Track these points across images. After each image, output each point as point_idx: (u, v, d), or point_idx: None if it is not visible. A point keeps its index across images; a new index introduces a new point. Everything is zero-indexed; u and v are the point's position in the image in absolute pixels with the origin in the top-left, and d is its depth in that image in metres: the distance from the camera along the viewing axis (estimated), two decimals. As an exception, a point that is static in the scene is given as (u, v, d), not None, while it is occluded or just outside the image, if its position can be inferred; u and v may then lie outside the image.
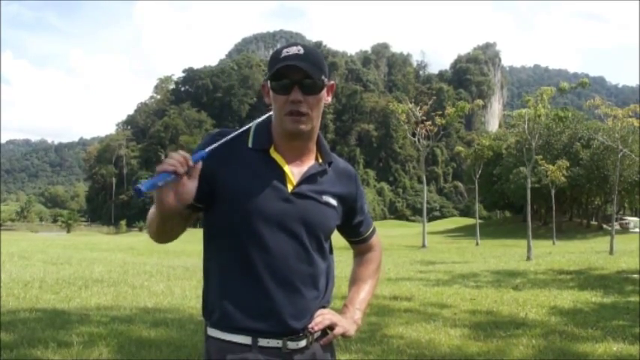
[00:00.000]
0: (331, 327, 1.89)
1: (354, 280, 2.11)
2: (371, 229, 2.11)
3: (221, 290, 1.80)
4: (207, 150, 1.66)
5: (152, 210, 1.71)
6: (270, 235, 1.75)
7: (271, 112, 1.87)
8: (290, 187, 1.79)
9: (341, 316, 1.95)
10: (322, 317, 1.85)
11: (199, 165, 1.62)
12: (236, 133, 1.79)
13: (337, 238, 1.99)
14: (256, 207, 1.75)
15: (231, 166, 1.78)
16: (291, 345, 1.78)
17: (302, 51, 1.74)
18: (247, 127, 1.84)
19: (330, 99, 1.85)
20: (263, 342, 1.75)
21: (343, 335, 1.92)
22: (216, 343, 1.79)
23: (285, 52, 1.74)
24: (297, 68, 1.71)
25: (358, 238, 2.10)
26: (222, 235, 1.79)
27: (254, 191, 1.76)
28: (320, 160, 1.88)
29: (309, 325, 1.82)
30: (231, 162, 1.78)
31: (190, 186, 1.59)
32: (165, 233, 1.77)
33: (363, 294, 2.07)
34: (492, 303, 9.29)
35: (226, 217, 1.78)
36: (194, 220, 1.90)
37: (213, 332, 1.80)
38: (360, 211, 2.03)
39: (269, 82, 1.77)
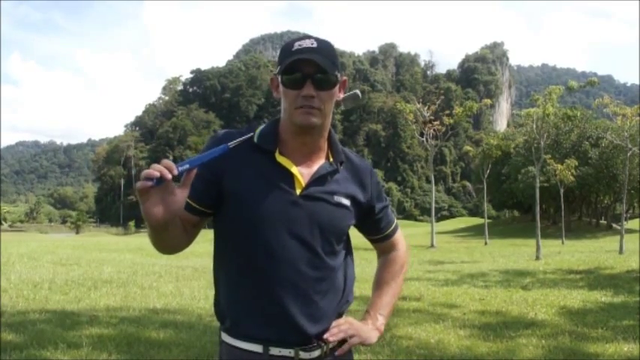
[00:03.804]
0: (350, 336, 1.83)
1: (377, 283, 2.02)
2: (393, 226, 2.01)
3: (232, 297, 1.76)
4: (193, 160, 1.56)
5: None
6: (278, 240, 1.69)
7: (278, 116, 1.81)
8: (299, 190, 1.72)
9: (361, 323, 1.88)
10: (338, 328, 1.79)
11: (192, 173, 1.55)
12: (243, 138, 1.70)
13: (355, 239, 1.96)
14: (263, 212, 1.69)
15: (237, 169, 1.72)
16: (304, 355, 1.73)
17: (315, 44, 1.67)
18: (251, 135, 1.75)
19: (341, 95, 1.78)
20: (274, 351, 1.71)
21: (362, 344, 1.85)
22: (229, 349, 1.76)
23: (297, 45, 1.67)
24: (310, 62, 1.64)
25: (379, 236, 2.00)
26: (231, 241, 1.74)
27: (260, 195, 1.70)
28: (331, 159, 1.81)
29: (325, 336, 1.76)
30: (237, 165, 1.72)
31: (180, 195, 1.54)
32: (164, 244, 1.72)
33: (387, 298, 1.98)
34: (501, 303, 9.26)
35: (233, 222, 1.73)
36: (204, 223, 1.85)
37: (226, 338, 1.78)
38: (379, 207, 1.93)
39: (280, 75, 1.69)
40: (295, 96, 1.67)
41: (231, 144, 1.63)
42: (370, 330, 1.89)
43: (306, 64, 1.65)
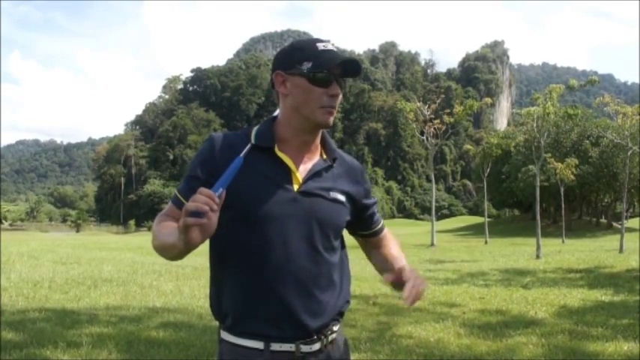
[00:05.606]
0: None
1: (380, 255, 2.05)
2: (381, 222, 2.08)
3: (233, 295, 1.77)
4: (222, 181, 1.54)
5: (164, 238, 1.66)
6: (278, 237, 1.71)
7: (273, 115, 1.84)
8: (296, 186, 1.75)
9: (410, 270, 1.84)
10: (414, 282, 1.76)
11: (223, 195, 1.53)
12: (249, 147, 1.68)
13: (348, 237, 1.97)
14: (262, 209, 1.71)
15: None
16: (305, 348, 1.75)
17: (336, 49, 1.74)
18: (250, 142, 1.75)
19: None
20: (275, 346, 1.72)
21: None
22: (229, 347, 1.77)
23: (322, 46, 1.72)
24: (349, 64, 1.72)
25: (371, 231, 2.05)
26: (231, 239, 1.74)
27: (259, 192, 1.72)
28: (325, 157, 1.85)
29: (404, 295, 1.72)
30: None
31: (214, 218, 1.53)
32: (179, 258, 1.72)
33: (396, 252, 2.03)
34: (501, 302, 9.25)
35: (232, 220, 1.72)
36: None
37: (226, 336, 1.79)
38: (370, 203, 1.99)
39: (307, 72, 1.70)
40: (321, 93, 1.71)
41: (243, 154, 1.63)
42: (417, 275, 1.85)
43: (336, 65, 1.70)
